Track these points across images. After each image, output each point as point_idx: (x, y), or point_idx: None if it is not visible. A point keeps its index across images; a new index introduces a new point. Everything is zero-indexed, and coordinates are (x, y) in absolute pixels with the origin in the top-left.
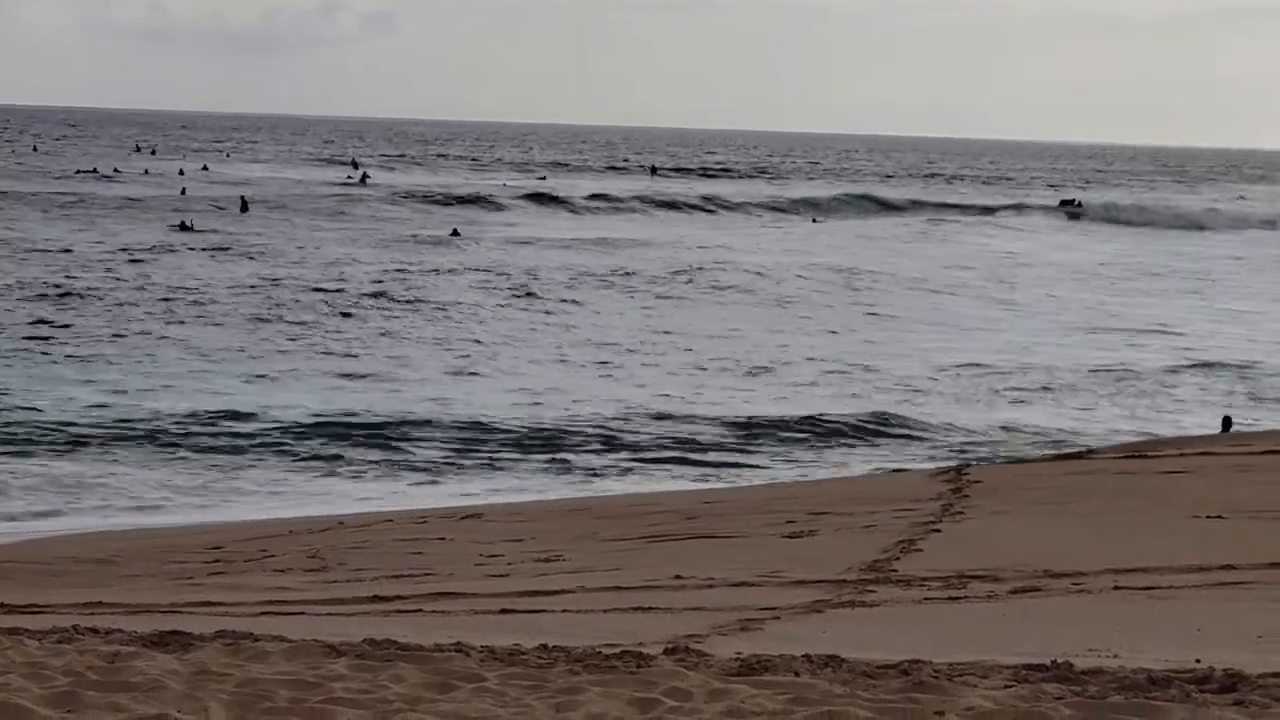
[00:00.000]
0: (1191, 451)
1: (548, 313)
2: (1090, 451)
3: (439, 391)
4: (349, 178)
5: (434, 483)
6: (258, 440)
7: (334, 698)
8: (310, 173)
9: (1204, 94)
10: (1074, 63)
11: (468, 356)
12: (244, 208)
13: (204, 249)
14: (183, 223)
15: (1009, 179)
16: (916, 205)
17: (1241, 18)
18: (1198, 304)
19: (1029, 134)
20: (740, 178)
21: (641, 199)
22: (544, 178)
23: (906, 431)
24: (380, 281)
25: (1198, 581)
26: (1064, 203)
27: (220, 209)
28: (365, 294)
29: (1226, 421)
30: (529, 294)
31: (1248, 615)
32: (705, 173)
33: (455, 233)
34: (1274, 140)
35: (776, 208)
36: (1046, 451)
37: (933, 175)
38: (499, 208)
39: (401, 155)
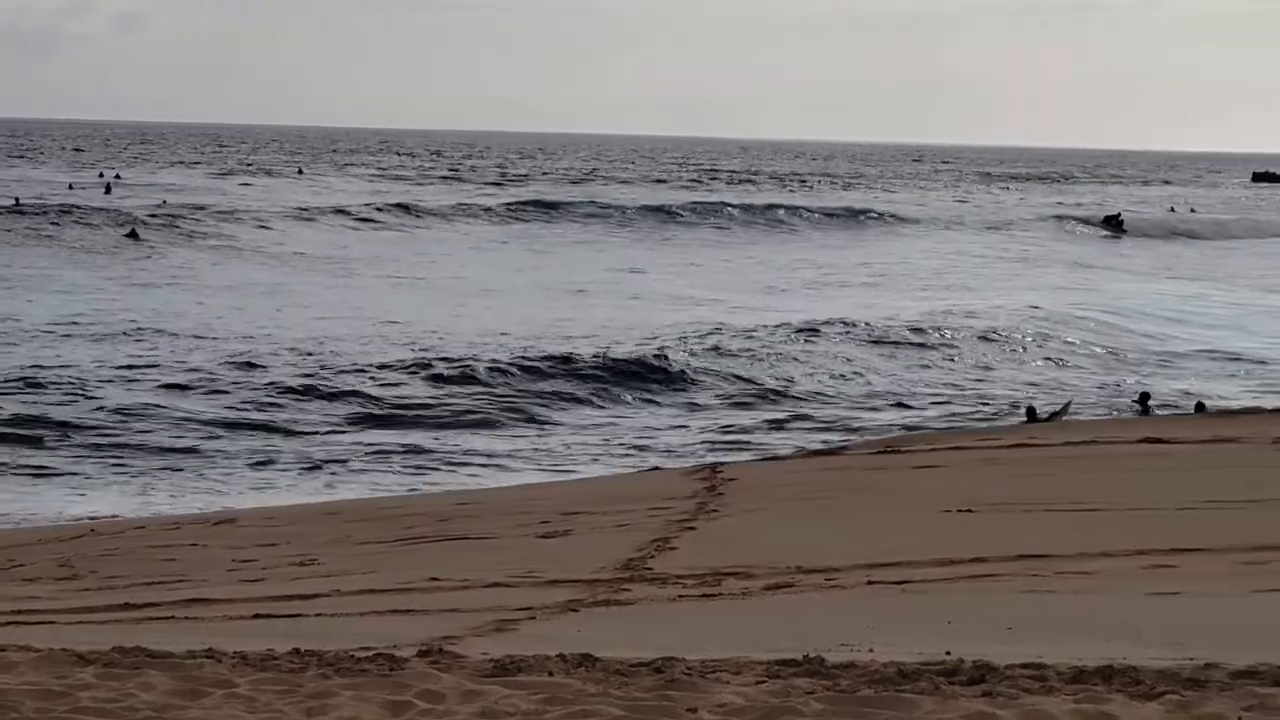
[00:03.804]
0: (942, 446)
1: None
2: (843, 448)
3: None
4: (100, 175)
5: None
6: None
7: (80, 707)
8: (61, 176)
9: (939, 92)
10: (819, 60)
11: None
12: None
13: None
14: None
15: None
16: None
17: (982, 17)
18: None
19: (769, 133)
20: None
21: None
22: (300, 171)
23: None
24: None
25: (949, 575)
26: (1108, 219)
27: None
28: None
29: (1144, 398)
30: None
31: (998, 607)
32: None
33: (134, 234)
34: (1004, 138)
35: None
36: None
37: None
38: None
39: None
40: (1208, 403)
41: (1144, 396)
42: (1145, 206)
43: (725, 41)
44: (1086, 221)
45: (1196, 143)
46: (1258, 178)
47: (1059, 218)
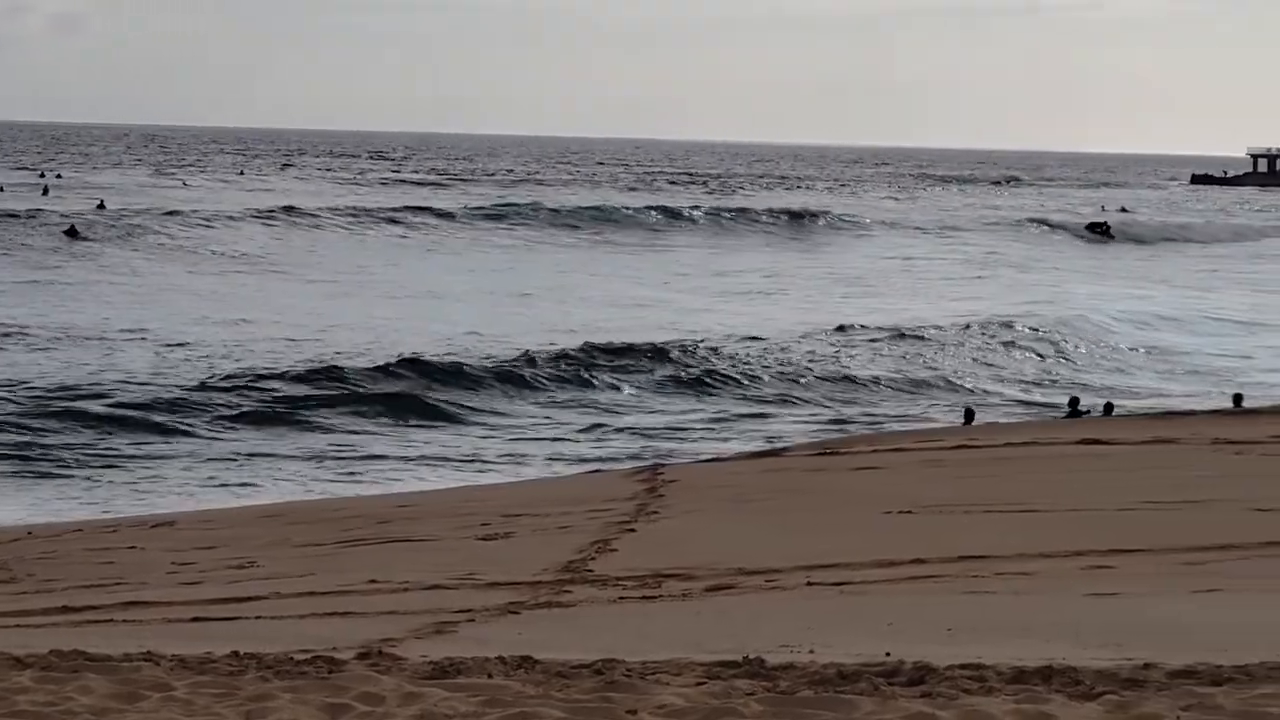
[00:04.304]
0: (882, 448)
1: None
2: (784, 449)
3: None
4: (41, 175)
5: None
6: None
7: (18, 710)
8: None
9: (877, 94)
10: (749, 62)
11: None
12: None
13: None
14: None
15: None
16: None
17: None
18: None
19: (710, 135)
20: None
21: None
22: (241, 172)
23: None
24: None
25: (889, 576)
26: (1092, 226)
27: None
28: None
29: (1074, 403)
30: None
31: (938, 608)
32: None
33: (72, 230)
34: (938, 139)
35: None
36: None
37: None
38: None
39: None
40: (1130, 403)
41: (1074, 401)
42: (1085, 206)
43: (659, 44)
44: (1048, 225)
45: (1138, 145)
46: (1197, 179)
47: (1020, 220)
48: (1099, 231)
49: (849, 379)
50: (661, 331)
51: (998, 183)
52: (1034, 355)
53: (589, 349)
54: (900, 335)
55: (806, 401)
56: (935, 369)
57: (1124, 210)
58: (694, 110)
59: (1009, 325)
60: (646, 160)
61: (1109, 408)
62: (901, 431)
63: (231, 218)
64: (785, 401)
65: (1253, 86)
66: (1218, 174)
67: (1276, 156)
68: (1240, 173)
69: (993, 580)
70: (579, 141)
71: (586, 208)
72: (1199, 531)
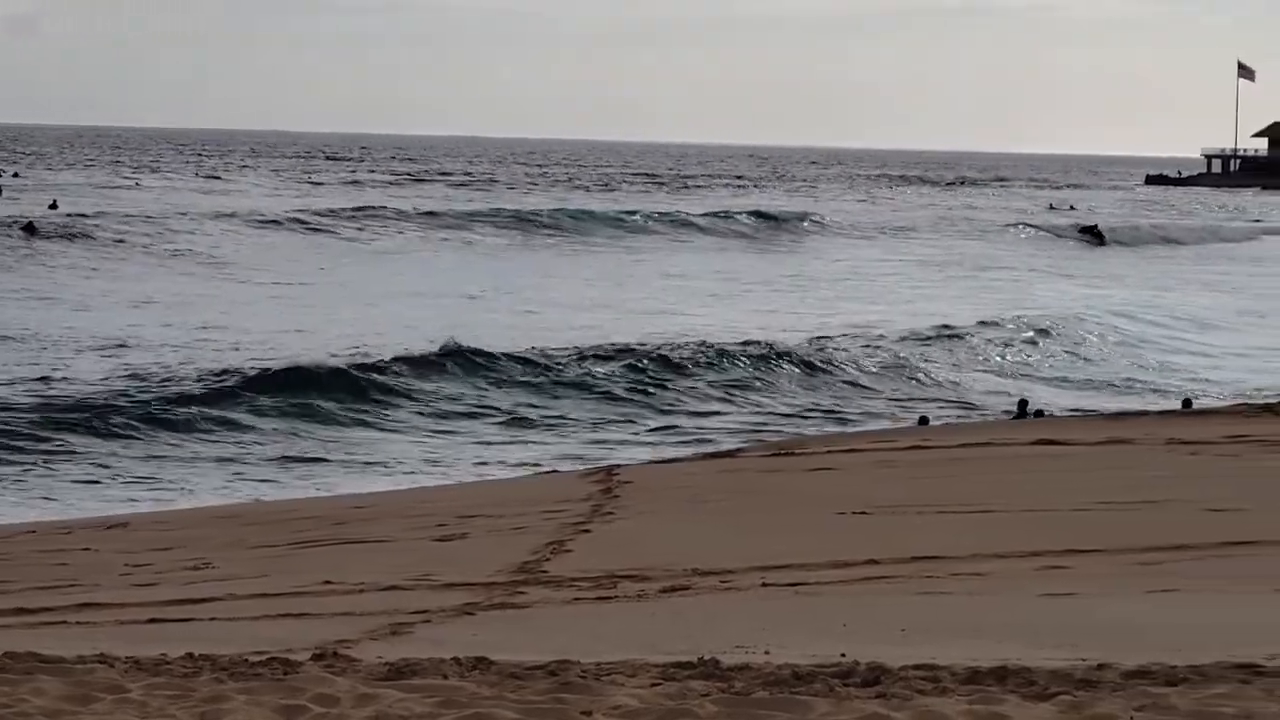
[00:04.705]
0: (837, 449)
1: None
2: (739, 450)
3: None
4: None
5: None
6: None
7: None
8: None
9: (828, 96)
10: (723, 64)
11: None
12: None
13: None
14: None
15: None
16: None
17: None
18: None
19: (666, 136)
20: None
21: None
22: (198, 172)
23: None
24: None
25: (843, 577)
26: (1085, 229)
27: None
28: None
29: (1022, 405)
30: None
31: (891, 609)
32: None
33: (30, 227)
34: (888, 140)
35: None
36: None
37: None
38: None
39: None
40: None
41: (1022, 404)
42: (1033, 204)
43: (622, 43)
44: (1030, 226)
45: (1090, 146)
46: (1151, 180)
47: (989, 222)
48: (1092, 234)
49: (807, 378)
50: (616, 334)
51: (952, 184)
52: (1003, 355)
53: (541, 351)
54: (861, 336)
55: (767, 398)
56: (899, 369)
57: (1072, 208)
58: (646, 112)
59: (989, 325)
60: (602, 161)
61: (1039, 412)
62: (856, 432)
63: (186, 218)
64: (740, 401)
65: (1201, 88)
66: (1172, 174)
67: (1230, 157)
68: (1194, 173)
69: (947, 581)
70: (533, 142)
71: (543, 210)
72: (1154, 532)
